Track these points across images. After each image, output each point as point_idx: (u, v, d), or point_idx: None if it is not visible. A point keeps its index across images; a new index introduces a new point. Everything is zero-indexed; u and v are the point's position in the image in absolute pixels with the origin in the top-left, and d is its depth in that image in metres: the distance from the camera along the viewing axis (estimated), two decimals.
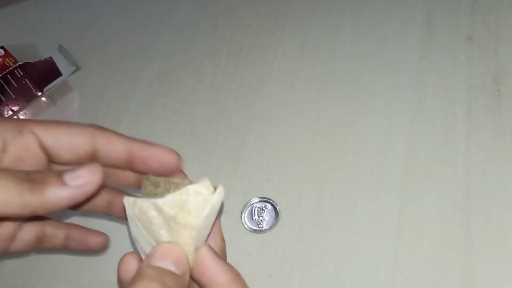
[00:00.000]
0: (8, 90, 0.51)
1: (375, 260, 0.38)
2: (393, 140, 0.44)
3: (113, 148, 0.27)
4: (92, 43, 0.58)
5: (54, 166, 0.29)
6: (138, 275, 0.23)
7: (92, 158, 0.28)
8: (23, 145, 0.26)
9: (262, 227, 0.41)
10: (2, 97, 0.51)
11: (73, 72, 0.55)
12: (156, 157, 0.27)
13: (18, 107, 0.53)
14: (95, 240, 0.32)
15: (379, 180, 0.42)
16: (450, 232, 0.38)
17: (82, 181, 0.24)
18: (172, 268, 0.24)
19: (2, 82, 0.50)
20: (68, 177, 0.24)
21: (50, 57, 0.53)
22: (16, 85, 0.51)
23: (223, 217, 0.42)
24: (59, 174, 0.24)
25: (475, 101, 0.45)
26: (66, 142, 0.27)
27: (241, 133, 0.47)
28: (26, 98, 0.53)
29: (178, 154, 0.28)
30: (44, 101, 0.54)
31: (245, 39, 0.55)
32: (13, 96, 0.52)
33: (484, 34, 0.49)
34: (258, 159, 0.45)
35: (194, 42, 0.56)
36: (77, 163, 0.28)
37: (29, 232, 0.30)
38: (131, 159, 0.28)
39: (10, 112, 0.52)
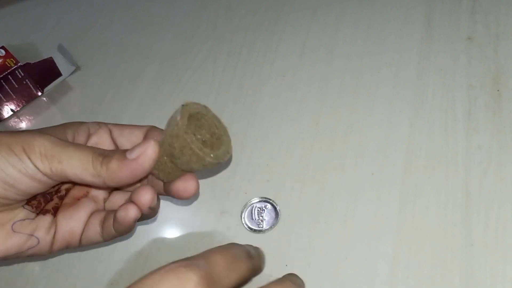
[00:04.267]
0: (8, 90, 0.51)
1: (375, 260, 0.38)
2: (393, 140, 0.44)
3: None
4: (92, 43, 0.58)
5: None
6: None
7: None
8: (101, 136, 0.34)
9: (262, 227, 0.41)
10: (2, 97, 0.51)
11: (73, 72, 0.55)
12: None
13: (18, 107, 0.53)
14: None
15: (379, 180, 0.42)
16: (449, 232, 0.38)
17: (137, 153, 0.28)
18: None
19: (3, 82, 0.50)
20: (128, 152, 0.28)
21: (50, 57, 0.53)
22: (16, 85, 0.51)
23: (223, 217, 0.42)
24: (124, 151, 0.29)
25: (475, 101, 0.45)
26: (126, 134, 0.34)
27: (241, 133, 0.47)
28: (26, 98, 0.53)
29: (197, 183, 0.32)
30: (44, 101, 0.54)
31: (245, 39, 0.55)
32: (13, 96, 0.52)
33: (484, 34, 0.49)
34: (258, 159, 0.45)
35: (194, 42, 0.56)
36: None
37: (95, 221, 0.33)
38: None
39: (10, 112, 0.52)
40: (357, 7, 0.55)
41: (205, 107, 0.30)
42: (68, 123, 0.33)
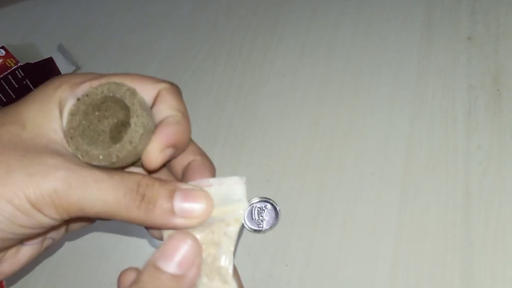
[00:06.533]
0: (9, 90, 0.51)
1: (375, 260, 0.38)
2: (393, 140, 0.44)
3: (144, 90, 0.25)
4: (92, 43, 0.58)
5: None
6: (135, 280, 0.22)
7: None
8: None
9: (262, 227, 0.41)
10: (2, 97, 0.51)
11: (73, 72, 0.55)
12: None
13: None
14: None
15: (379, 180, 0.42)
16: (450, 232, 0.38)
17: (189, 214, 0.22)
18: (174, 270, 0.22)
19: (3, 83, 0.50)
20: (178, 203, 0.22)
21: (50, 57, 0.53)
22: (16, 86, 0.51)
23: None
24: (171, 194, 0.22)
25: (475, 101, 0.45)
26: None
27: (241, 133, 0.47)
28: None
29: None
30: None
31: (245, 39, 0.55)
32: (14, 97, 0.52)
33: (484, 34, 0.49)
34: (258, 159, 0.45)
35: (194, 42, 0.56)
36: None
37: None
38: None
39: None
40: (357, 7, 0.55)
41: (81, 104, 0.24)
42: (50, 83, 0.24)
